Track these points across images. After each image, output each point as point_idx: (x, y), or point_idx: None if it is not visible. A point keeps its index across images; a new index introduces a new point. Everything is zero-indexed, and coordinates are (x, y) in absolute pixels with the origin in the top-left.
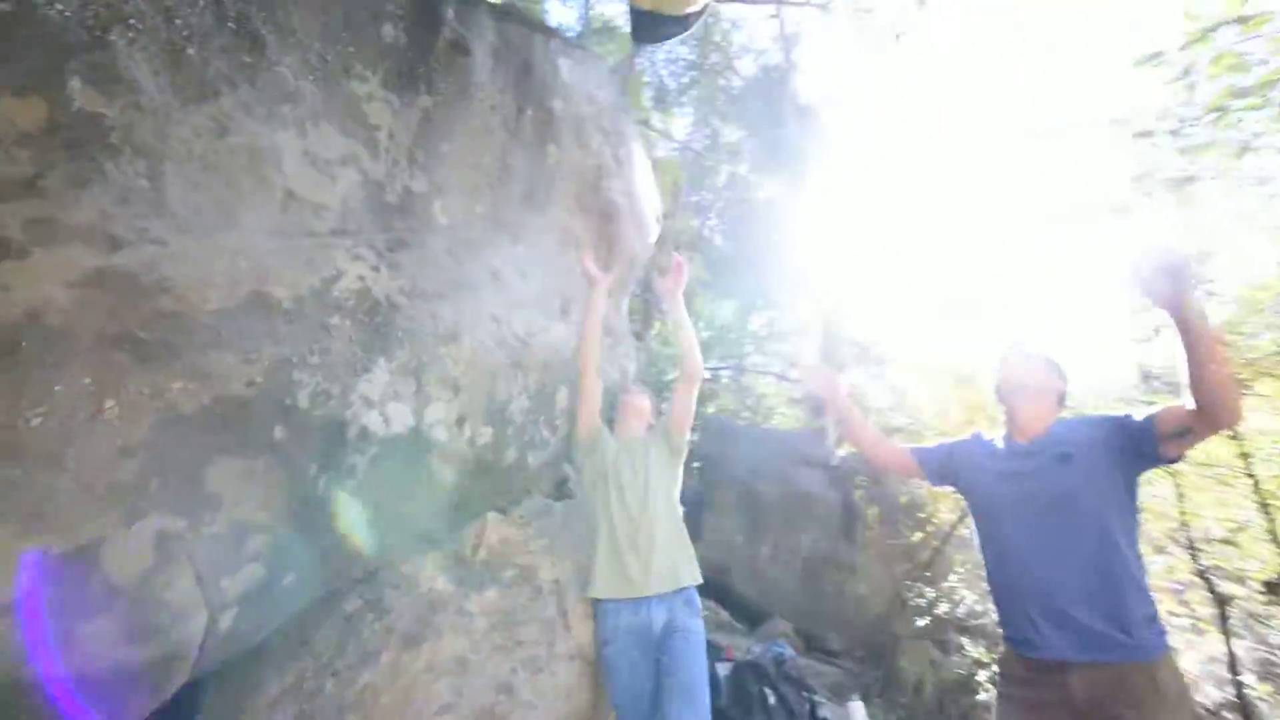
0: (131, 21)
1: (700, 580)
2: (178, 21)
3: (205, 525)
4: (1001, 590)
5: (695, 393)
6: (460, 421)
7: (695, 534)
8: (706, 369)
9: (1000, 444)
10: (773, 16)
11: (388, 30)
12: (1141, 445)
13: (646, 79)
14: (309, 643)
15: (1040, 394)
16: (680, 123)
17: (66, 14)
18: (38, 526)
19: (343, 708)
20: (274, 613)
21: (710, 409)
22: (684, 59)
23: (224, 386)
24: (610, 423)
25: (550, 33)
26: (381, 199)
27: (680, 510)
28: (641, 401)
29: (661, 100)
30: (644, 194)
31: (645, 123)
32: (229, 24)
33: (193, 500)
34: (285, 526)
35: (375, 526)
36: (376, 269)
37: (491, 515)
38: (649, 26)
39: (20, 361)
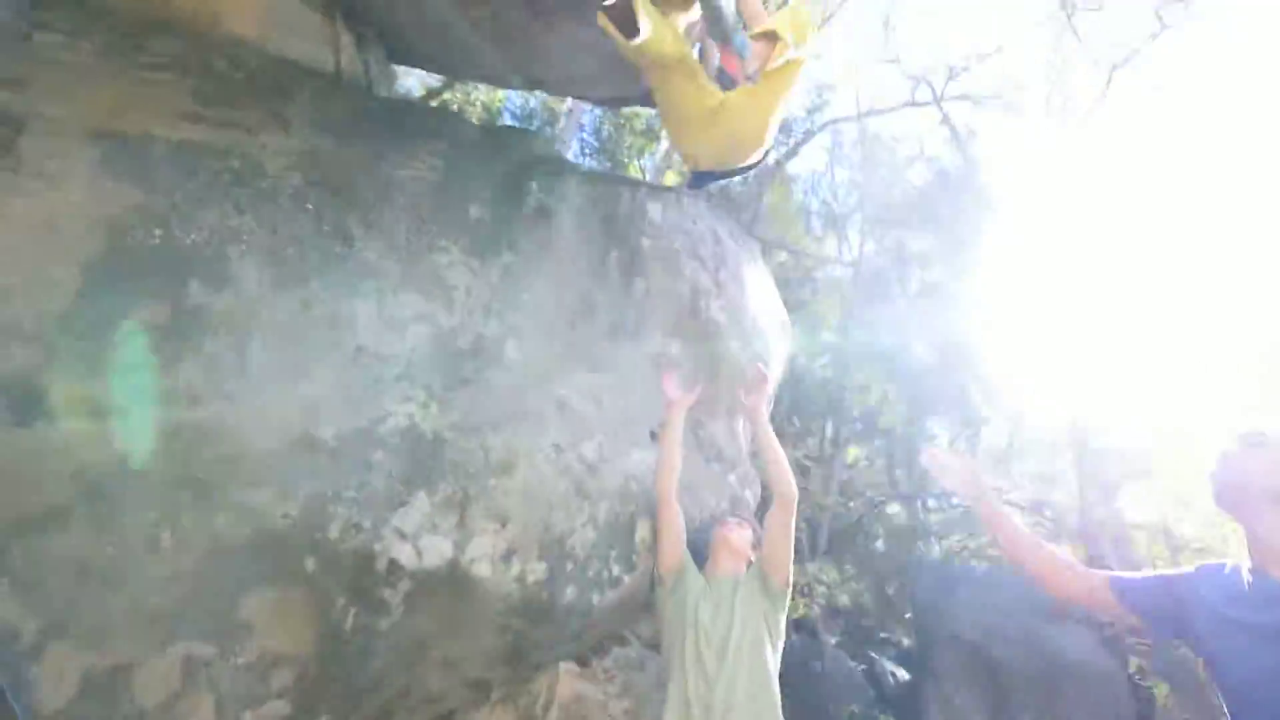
0: (244, 237)
1: None
2: (280, 231)
3: (234, 654)
4: None
5: (792, 521)
6: (507, 556)
7: (915, 711)
8: (930, 498)
9: (1245, 580)
10: (941, 123)
11: (474, 210)
12: None
13: (813, 209)
14: None
15: None
16: (854, 241)
17: (198, 241)
18: (89, 645)
19: None
20: None
21: (934, 550)
22: (846, 182)
23: (262, 520)
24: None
25: (635, 184)
26: (453, 345)
27: (775, 673)
28: (735, 534)
29: (831, 224)
30: (758, 309)
31: (783, 246)
32: (325, 227)
33: (225, 628)
34: (315, 661)
35: (418, 670)
36: (426, 406)
37: (566, 666)
38: (707, 177)
39: (108, 503)
